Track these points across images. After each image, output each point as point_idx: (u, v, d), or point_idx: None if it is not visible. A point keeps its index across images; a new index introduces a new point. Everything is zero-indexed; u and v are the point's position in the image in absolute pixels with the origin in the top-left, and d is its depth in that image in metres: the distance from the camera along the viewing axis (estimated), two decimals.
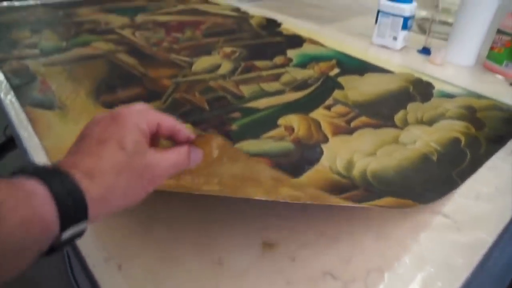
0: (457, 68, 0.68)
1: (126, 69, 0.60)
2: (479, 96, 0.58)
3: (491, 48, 0.67)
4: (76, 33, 0.73)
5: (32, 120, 0.45)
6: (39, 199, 0.21)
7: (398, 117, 0.50)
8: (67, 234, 0.22)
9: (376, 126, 0.48)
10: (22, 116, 0.46)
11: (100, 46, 0.68)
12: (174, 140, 0.30)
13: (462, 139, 0.47)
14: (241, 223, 0.33)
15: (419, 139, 0.46)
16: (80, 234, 0.23)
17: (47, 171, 0.22)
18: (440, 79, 0.63)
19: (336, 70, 0.62)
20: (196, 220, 0.33)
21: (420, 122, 0.50)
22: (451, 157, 0.43)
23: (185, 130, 0.30)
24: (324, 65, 0.64)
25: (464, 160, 0.43)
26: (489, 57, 0.68)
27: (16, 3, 0.92)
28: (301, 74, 0.61)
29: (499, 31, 0.65)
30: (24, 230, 0.20)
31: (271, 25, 0.84)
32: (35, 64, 0.59)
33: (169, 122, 0.29)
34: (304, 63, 0.64)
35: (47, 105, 0.48)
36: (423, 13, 0.99)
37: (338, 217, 0.34)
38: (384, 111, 0.51)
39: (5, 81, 0.54)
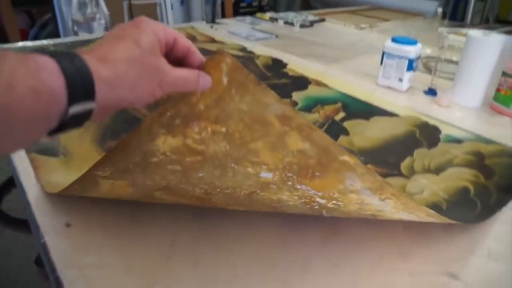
0: (463, 110, 0.68)
1: (131, 113, 0.60)
2: (487, 141, 0.57)
3: (497, 90, 0.67)
4: None
5: (35, 168, 0.45)
6: (48, 71, 0.22)
7: (404, 165, 0.49)
8: (74, 109, 0.23)
9: (382, 175, 0.47)
10: (26, 163, 0.46)
11: None
12: (186, 62, 0.32)
13: (471, 188, 0.46)
14: None
15: (426, 188, 0.45)
16: (87, 115, 0.24)
17: (59, 52, 0.23)
18: (447, 122, 0.62)
19: (341, 114, 0.62)
20: (198, 279, 0.32)
21: (427, 170, 0.49)
22: (460, 206, 0.42)
23: (199, 54, 0.32)
24: (329, 108, 0.64)
25: (474, 209, 0.42)
26: (495, 98, 0.68)
27: (29, 43, 0.94)
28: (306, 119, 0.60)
29: (505, 74, 0.65)
30: (33, 98, 0.21)
31: (277, 65, 0.85)
32: None
33: (185, 41, 0.31)
34: (309, 107, 0.64)
35: (52, 152, 0.48)
36: (428, 51, 1.00)
37: (342, 279, 0.33)
38: (390, 158, 0.51)
39: None
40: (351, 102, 0.67)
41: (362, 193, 0.34)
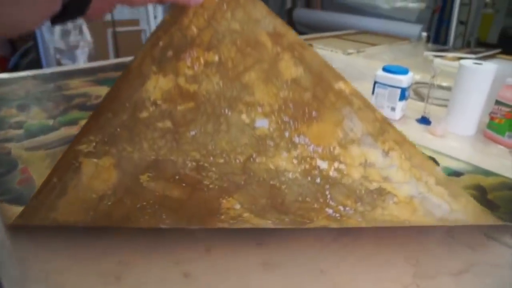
0: (458, 139, 0.66)
1: None
2: (486, 173, 0.55)
3: (491, 119, 0.66)
4: (64, 109, 0.71)
5: (5, 218, 0.41)
6: None
7: None
8: None
9: None
10: None
11: None
12: None
13: None
14: None
15: None
16: (86, 1, 0.27)
17: None
18: (444, 153, 0.60)
19: None
20: None
21: None
22: None
23: None
24: None
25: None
26: (489, 127, 0.66)
27: (6, 75, 0.90)
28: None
29: (498, 102, 0.64)
30: None
31: None
32: (17, 148, 0.56)
33: None
34: None
35: (25, 201, 0.44)
36: (417, 77, 0.99)
37: None
38: None
39: None
40: None
41: (364, 143, 0.33)
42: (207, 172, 0.33)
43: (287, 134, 0.33)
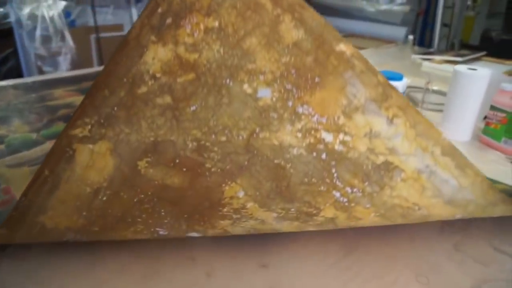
0: (455, 145, 0.65)
1: None
2: None
3: (487, 124, 0.66)
4: (48, 121, 0.68)
5: None
6: None
7: None
8: None
9: None
10: None
11: None
12: None
13: None
14: None
15: None
16: None
17: None
18: None
19: None
20: None
21: None
22: None
23: None
24: None
25: None
26: (485, 132, 0.66)
27: None
28: None
29: (493, 108, 0.64)
30: None
31: None
32: None
33: None
34: None
35: (9, 225, 0.41)
36: (408, 81, 0.99)
37: None
38: None
39: None
40: None
41: (368, 110, 0.32)
42: (208, 153, 0.32)
43: (290, 103, 0.32)
